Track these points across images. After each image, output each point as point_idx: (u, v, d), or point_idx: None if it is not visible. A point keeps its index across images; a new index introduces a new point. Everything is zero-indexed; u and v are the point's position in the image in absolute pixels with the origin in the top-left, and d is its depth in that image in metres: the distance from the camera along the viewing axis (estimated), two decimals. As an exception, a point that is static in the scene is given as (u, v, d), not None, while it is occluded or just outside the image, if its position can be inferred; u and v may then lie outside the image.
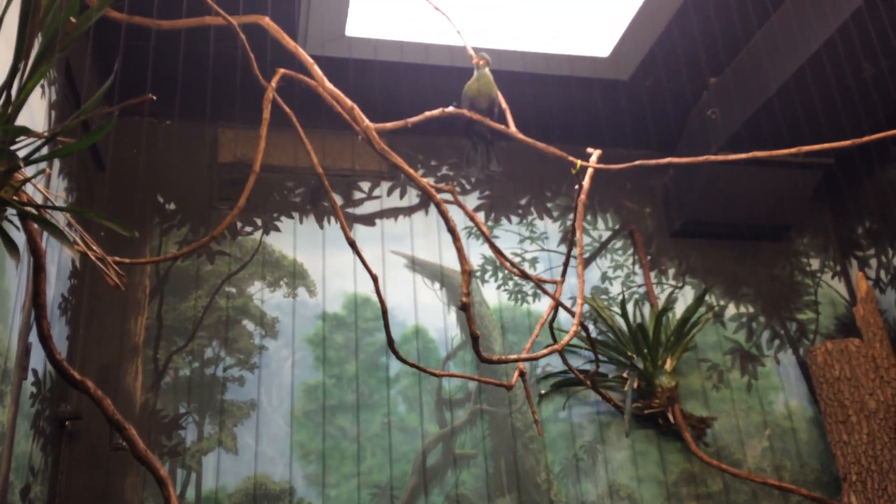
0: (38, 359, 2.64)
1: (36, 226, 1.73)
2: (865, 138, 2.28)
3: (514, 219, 4.17)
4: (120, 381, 3.40)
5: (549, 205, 4.24)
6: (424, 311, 3.85)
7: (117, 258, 1.96)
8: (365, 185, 4.07)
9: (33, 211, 1.69)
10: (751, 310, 4.22)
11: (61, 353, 1.77)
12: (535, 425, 3.62)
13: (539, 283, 2.63)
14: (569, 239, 2.74)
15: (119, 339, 3.47)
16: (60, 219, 1.91)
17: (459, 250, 2.21)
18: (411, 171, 2.29)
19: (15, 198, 1.66)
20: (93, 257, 1.84)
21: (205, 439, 3.38)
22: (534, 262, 4.10)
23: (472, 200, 4.15)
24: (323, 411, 3.54)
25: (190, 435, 3.38)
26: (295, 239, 3.86)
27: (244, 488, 3.33)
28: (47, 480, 2.93)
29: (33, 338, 2.48)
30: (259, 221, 3.87)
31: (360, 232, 3.95)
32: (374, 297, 3.75)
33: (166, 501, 1.73)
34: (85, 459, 3.21)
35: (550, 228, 4.19)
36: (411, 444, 3.56)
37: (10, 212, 1.69)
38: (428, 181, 2.43)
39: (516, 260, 4.05)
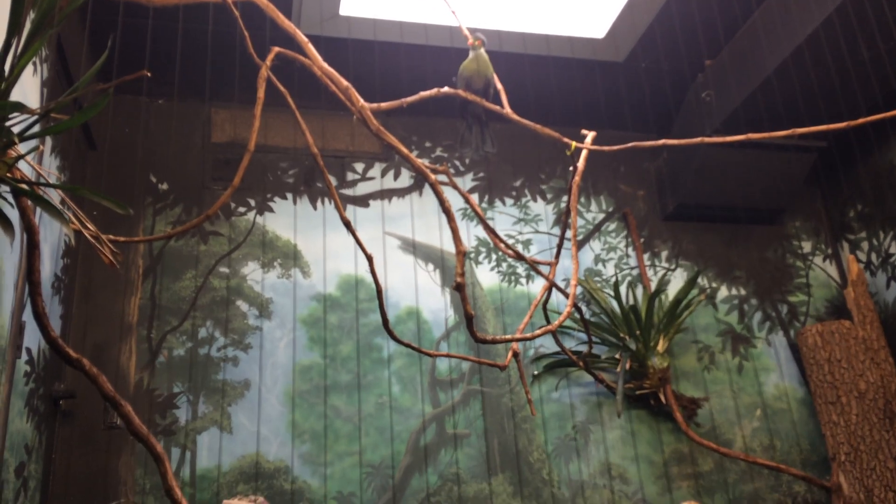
0: (31, 337, 2.64)
1: (30, 203, 1.73)
2: (859, 120, 2.28)
3: (509, 201, 4.18)
4: (114, 361, 3.40)
5: (543, 187, 4.24)
6: (419, 292, 3.85)
7: (112, 236, 1.95)
8: (359, 167, 4.07)
9: (27, 188, 1.68)
10: (743, 292, 4.24)
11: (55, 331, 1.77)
12: (528, 405, 3.65)
13: (533, 265, 2.63)
14: (563, 221, 2.75)
15: (112, 319, 3.47)
16: (54, 196, 1.91)
17: (454, 231, 2.21)
18: (406, 151, 2.28)
19: (8, 174, 1.65)
20: (87, 235, 1.84)
21: (199, 418, 3.39)
22: (528, 243, 4.11)
23: (466, 182, 4.15)
24: (323, 392, 3.56)
25: (184, 414, 3.39)
26: (294, 221, 3.86)
27: (239, 467, 3.35)
28: (42, 458, 2.94)
29: (27, 316, 2.48)
30: (253, 202, 3.86)
31: (355, 213, 3.95)
32: (369, 278, 3.76)
33: (162, 477, 1.74)
34: (79, 438, 3.22)
35: (545, 210, 4.19)
36: (405, 424, 3.58)
37: (3, 188, 1.68)
38: (423, 162, 2.42)
39: (511, 242, 4.06)
